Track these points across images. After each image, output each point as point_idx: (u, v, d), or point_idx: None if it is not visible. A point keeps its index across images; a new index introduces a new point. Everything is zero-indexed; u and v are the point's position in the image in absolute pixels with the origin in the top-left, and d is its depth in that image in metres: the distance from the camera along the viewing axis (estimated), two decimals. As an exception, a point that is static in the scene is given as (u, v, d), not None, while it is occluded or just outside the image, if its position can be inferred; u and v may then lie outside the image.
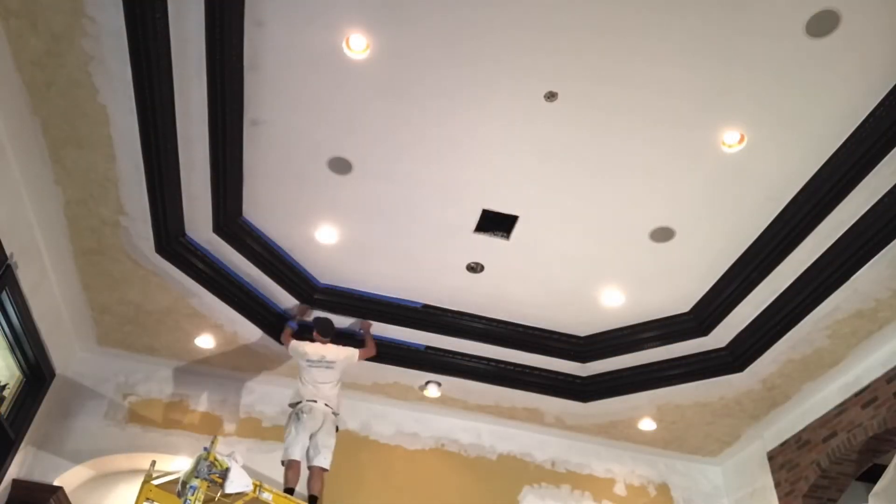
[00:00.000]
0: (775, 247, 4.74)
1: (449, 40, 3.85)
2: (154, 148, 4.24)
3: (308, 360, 5.31)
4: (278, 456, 5.91)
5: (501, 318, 5.88)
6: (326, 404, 5.18)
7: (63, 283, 5.28)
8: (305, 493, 4.98)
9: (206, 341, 5.87)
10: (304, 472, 5.07)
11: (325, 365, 5.28)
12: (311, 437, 5.07)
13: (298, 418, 5.10)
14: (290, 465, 4.96)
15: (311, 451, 5.05)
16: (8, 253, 4.45)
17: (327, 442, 5.09)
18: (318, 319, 5.57)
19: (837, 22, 3.54)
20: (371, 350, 5.58)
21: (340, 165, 4.66)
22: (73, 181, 4.48)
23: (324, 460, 5.03)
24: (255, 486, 4.49)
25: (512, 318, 5.88)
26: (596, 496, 6.43)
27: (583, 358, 5.97)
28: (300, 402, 5.19)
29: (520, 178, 4.65)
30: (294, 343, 5.44)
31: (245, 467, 4.53)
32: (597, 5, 3.61)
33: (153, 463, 4.74)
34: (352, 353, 5.42)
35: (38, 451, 5.54)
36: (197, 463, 4.27)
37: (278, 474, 5.85)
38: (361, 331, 5.74)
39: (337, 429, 5.26)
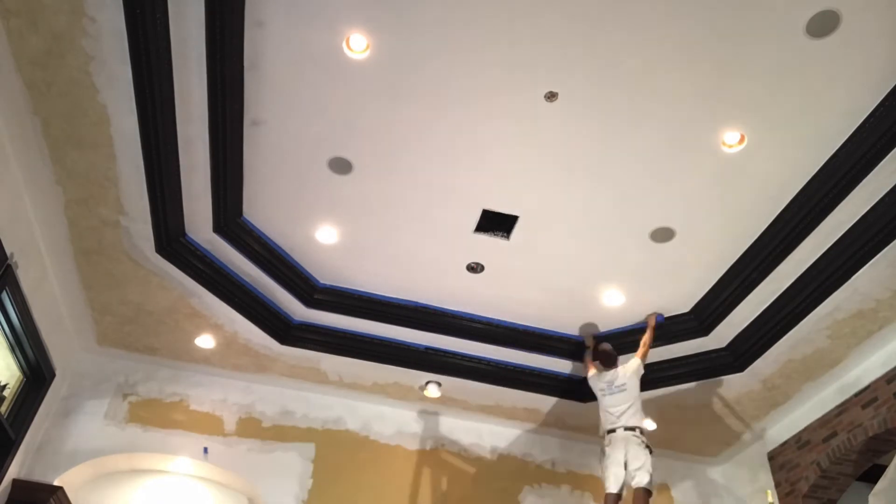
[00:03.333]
0: (775, 247, 4.74)
1: (449, 40, 3.85)
2: (154, 148, 4.24)
3: (601, 391, 5.38)
4: (278, 456, 6.00)
5: (501, 318, 5.88)
6: (625, 428, 5.12)
7: (63, 283, 5.27)
8: None
9: (206, 341, 5.87)
10: None
11: (618, 389, 5.29)
12: (626, 464, 5.01)
13: (604, 452, 5.16)
14: (606, 499, 4.99)
15: (628, 477, 5.00)
16: (8, 253, 4.44)
17: (637, 463, 4.99)
18: (599, 353, 5.57)
19: (837, 22, 3.54)
20: (647, 340, 5.43)
21: (340, 165, 4.66)
22: (73, 181, 4.48)
23: (641, 481, 4.93)
24: None
25: (512, 319, 5.88)
26: (596, 496, 6.42)
27: (583, 358, 5.97)
28: (604, 434, 5.23)
29: (520, 178, 4.65)
30: (590, 376, 5.56)
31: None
32: (597, 6, 3.61)
33: None
34: (636, 363, 5.36)
35: (38, 451, 5.53)
36: None
37: (278, 475, 5.88)
38: (647, 324, 5.61)
39: (649, 448, 5.10)
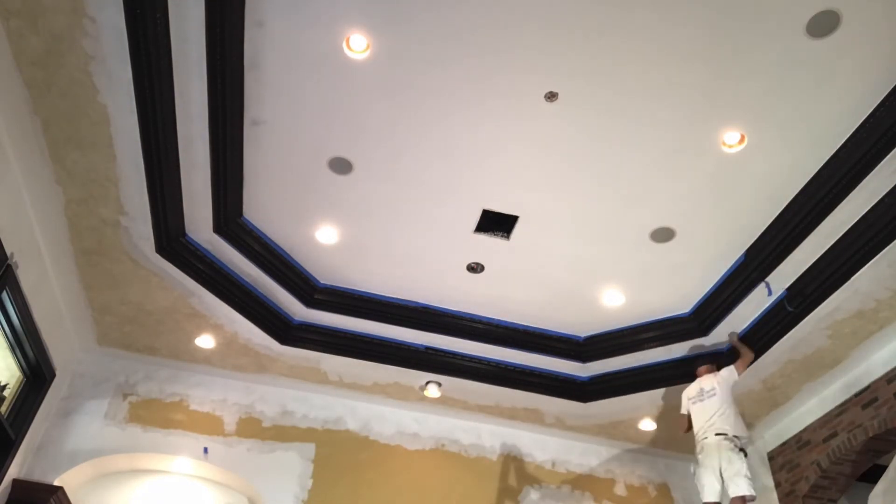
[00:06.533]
0: (775, 247, 4.74)
1: (449, 40, 3.85)
2: (154, 148, 4.24)
3: (691, 400, 5.32)
4: (279, 456, 5.99)
5: (501, 318, 5.88)
6: (716, 434, 5.01)
7: (63, 283, 5.27)
8: None
9: (206, 341, 5.87)
10: None
11: (707, 396, 5.23)
12: (721, 472, 4.90)
13: (699, 461, 5.07)
14: None
15: (726, 485, 4.87)
16: (8, 253, 4.45)
17: (733, 469, 4.85)
18: (696, 358, 5.56)
19: (837, 22, 3.54)
20: (747, 355, 5.30)
21: (341, 165, 4.66)
22: (73, 181, 4.48)
23: (738, 489, 4.78)
24: None
25: (512, 319, 5.88)
26: (596, 496, 6.43)
27: (583, 358, 5.97)
28: (698, 443, 5.14)
29: (520, 178, 4.65)
30: (683, 395, 5.48)
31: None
32: (597, 5, 3.61)
33: None
34: (729, 371, 5.26)
35: (38, 451, 5.54)
36: None
37: (278, 475, 5.88)
38: (731, 345, 5.55)
39: (744, 452, 4.97)
